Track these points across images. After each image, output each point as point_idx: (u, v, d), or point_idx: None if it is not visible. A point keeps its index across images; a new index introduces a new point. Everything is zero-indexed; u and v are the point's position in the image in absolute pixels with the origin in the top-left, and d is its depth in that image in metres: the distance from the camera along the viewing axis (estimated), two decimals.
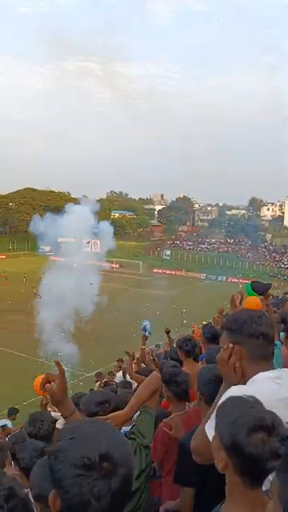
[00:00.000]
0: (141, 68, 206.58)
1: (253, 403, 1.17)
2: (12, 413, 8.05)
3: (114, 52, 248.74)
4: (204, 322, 15.67)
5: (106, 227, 36.10)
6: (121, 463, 0.90)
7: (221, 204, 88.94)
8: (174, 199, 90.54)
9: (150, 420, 1.96)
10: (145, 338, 5.67)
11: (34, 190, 76.65)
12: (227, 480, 1.20)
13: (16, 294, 37.66)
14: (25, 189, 76.31)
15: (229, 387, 1.44)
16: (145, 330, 5.53)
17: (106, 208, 79.52)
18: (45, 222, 32.95)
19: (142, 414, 1.97)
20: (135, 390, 2.78)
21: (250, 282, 4.35)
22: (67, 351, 21.23)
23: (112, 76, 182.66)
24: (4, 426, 6.85)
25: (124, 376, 6.59)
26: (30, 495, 1.66)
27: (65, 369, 1.71)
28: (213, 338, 4.33)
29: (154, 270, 55.57)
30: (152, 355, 5.38)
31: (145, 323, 5.70)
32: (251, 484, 1.15)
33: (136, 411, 2.00)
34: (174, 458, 2.37)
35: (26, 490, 1.55)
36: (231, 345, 1.54)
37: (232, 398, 1.23)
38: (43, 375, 1.72)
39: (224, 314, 8.53)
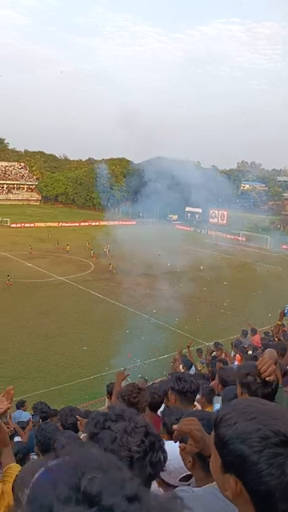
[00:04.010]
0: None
1: None
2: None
3: (256, 12, 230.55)
4: None
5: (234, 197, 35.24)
6: None
7: None
8: None
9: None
10: (282, 314, 5.62)
11: (163, 159, 78.30)
12: None
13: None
14: (156, 158, 78.46)
15: None
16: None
17: (235, 179, 77.12)
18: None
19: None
20: None
21: None
22: (189, 318, 21.86)
23: (254, 38, 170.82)
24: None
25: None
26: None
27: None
28: None
29: (284, 247, 52.42)
30: (278, 333, 5.26)
31: None
32: None
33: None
34: None
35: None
36: None
37: None
38: None
39: None
